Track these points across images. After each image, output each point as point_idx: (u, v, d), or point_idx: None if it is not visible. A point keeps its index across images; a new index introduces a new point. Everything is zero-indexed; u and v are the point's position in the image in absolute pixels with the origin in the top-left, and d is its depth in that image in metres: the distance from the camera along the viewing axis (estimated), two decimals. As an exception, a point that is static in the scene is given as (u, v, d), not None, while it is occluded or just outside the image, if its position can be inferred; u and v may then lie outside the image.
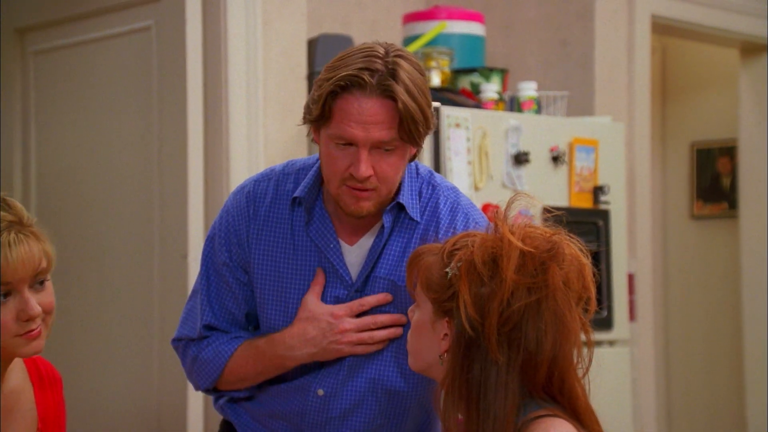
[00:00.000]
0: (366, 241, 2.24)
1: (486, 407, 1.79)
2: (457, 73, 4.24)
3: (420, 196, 2.26)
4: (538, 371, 1.81)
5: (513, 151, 3.96)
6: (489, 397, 1.79)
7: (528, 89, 4.23)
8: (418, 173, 2.27)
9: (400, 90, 2.07)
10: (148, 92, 3.89)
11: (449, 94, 4.04)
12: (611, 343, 4.23)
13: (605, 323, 4.17)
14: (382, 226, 2.22)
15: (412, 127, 2.09)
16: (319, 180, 2.23)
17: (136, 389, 3.91)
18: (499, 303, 1.80)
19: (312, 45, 3.99)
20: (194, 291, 2.36)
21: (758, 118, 5.47)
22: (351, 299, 2.24)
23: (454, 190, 2.30)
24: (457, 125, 3.81)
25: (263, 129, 3.80)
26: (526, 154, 3.96)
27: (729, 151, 6.05)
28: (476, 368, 1.81)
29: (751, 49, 5.43)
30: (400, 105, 2.07)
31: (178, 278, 3.74)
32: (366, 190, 2.14)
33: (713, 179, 6.18)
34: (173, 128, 3.80)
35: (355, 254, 2.24)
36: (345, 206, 2.16)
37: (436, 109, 3.77)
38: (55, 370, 2.21)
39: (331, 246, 2.23)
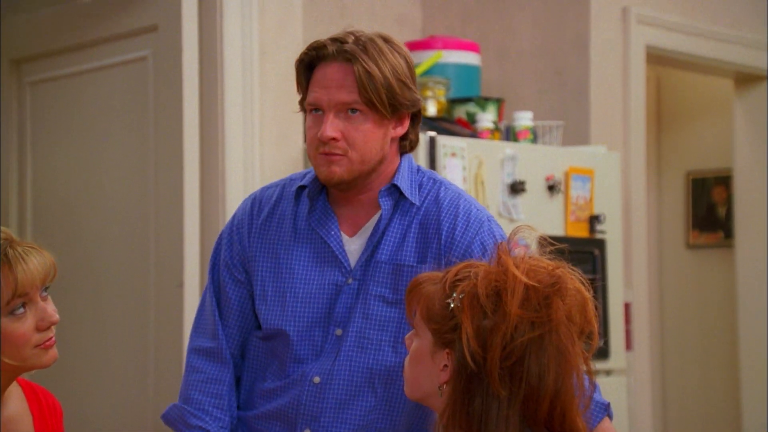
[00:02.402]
0: (366, 232, 2.29)
1: None
2: (453, 102, 4.25)
3: (420, 187, 2.31)
4: (540, 406, 1.80)
5: (509, 180, 3.97)
6: (490, 430, 1.78)
7: (524, 119, 4.24)
8: (419, 170, 2.34)
9: (361, 55, 2.18)
10: (144, 122, 3.90)
11: (445, 124, 4.05)
12: (608, 372, 4.22)
13: (602, 352, 4.16)
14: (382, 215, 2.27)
15: (371, 90, 2.18)
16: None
17: (132, 416, 3.89)
18: (502, 337, 1.79)
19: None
20: (203, 299, 2.41)
21: (753, 147, 5.49)
22: (349, 286, 2.27)
23: (457, 187, 2.36)
24: (453, 154, 3.81)
25: (259, 156, 3.81)
26: (521, 183, 3.97)
27: (724, 180, 6.06)
28: (477, 401, 1.80)
29: (745, 79, 5.45)
30: (356, 67, 2.18)
31: (173, 307, 3.74)
32: (335, 154, 2.21)
33: (708, 208, 6.19)
34: (169, 157, 3.80)
35: (355, 244, 2.29)
36: (319, 173, 2.24)
37: (432, 138, 3.77)
38: (56, 400, 2.20)
39: (332, 233, 2.28)
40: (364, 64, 2.18)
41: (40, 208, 4.27)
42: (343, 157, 2.21)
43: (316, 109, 2.23)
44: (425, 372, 1.87)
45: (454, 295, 1.83)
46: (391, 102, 2.21)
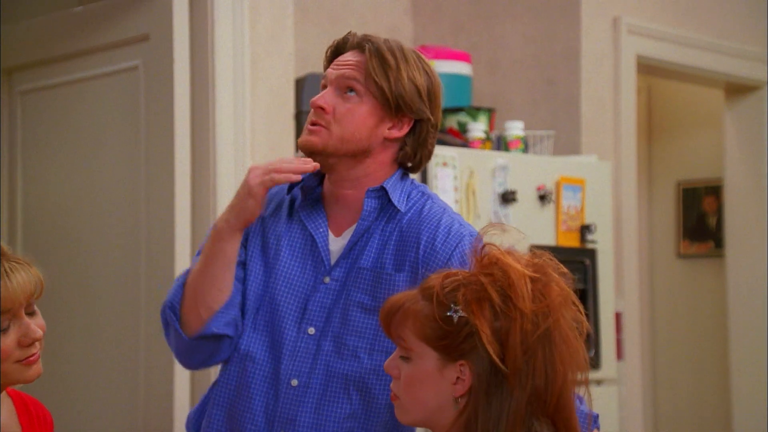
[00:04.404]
0: (350, 233, 2.31)
1: None
2: (444, 112, 4.25)
3: (408, 197, 2.32)
4: (550, 394, 1.80)
5: (500, 189, 3.97)
6: (502, 427, 1.78)
7: (515, 128, 4.25)
8: (412, 182, 2.36)
9: (379, 42, 2.27)
10: (135, 132, 3.89)
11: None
12: (599, 382, 4.22)
13: (593, 362, 4.17)
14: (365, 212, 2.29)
15: (380, 74, 2.24)
16: (321, 174, 2.35)
17: (123, 417, 3.88)
18: (519, 333, 1.78)
19: (300, 84, 4.00)
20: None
21: (743, 157, 5.50)
22: (325, 286, 2.28)
23: (445, 203, 2.37)
24: (445, 164, 3.82)
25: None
26: (513, 192, 3.97)
27: (715, 190, 6.08)
28: (495, 402, 1.79)
29: (735, 89, 5.46)
30: (368, 50, 2.27)
31: (164, 317, 3.73)
32: (318, 124, 2.26)
33: (699, 218, 6.20)
34: (160, 167, 3.80)
35: (338, 244, 2.30)
36: (300, 140, 2.30)
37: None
38: (47, 411, 2.20)
39: (320, 230, 2.30)
40: (378, 47, 2.27)
41: (31, 216, 4.26)
42: (323, 128, 2.26)
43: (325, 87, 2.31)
44: (432, 391, 1.84)
45: (453, 306, 1.81)
46: (395, 96, 2.25)
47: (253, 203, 2.25)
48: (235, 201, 2.28)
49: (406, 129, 2.29)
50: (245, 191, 2.26)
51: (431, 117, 2.30)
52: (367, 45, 2.28)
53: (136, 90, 3.90)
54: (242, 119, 3.80)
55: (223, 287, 2.29)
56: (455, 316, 1.80)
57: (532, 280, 1.81)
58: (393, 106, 2.26)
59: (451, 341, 1.81)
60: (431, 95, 2.29)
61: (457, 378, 1.81)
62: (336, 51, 2.34)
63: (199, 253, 2.39)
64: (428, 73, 2.31)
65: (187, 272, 2.36)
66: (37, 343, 2.04)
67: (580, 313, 1.87)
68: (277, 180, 2.24)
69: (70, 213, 4.12)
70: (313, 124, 2.27)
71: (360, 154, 2.27)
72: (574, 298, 1.87)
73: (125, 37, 3.94)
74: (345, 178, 2.29)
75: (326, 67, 2.35)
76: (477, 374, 1.80)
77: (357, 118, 2.26)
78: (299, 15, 4.28)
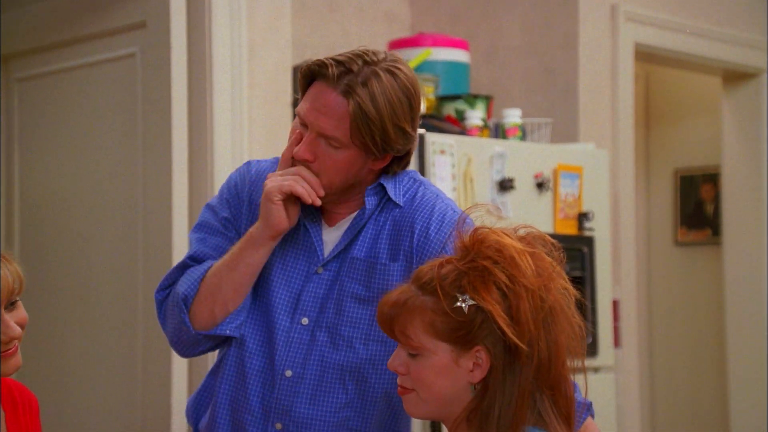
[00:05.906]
0: (345, 224, 2.29)
1: (509, 414, 1.80)
2: (442, 99, 4.25)
3: (401, 184, 2.30)
4: (554, 366, 1.81)
5: (498, 177, 3.97)
6: (513, 403, 1.79)
7: (512, 116, 4.24)
8: (403, 170, 2.32)
9: (361, 93, 2.14)
10: (132, 119, 3.89)
11: (434, 121, 4.05)
12: (596, 369, 4.23)
13: (590, 350, 4.17)
14: (364, 208, 2.26)
15: (365, 133, 2.15)
16: None
17: (121, 405, 3.89)
18: (530, 309, 1.79)
19: (297, 72, 3.99)
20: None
21: (741, 145, 5.51)
22: (318, 276, 2.27)
23: (438, 189, 2.34)
24: (442, 152, 3.81)
25: (248, 155, 3.80)
26: (510, 180, 3.97)
27: (712, 177, 6.08)
28: (509, 380, 1.80)
29: (733, 76, 5.46)
30: (351, 106, 2.14)
31: (162, 305, 3.73)
32: None
33: (697, 206, 6.21)
34: (158, 155, 3.80)
35: (333, 235, 2.29)
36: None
37: (421, 136, 3.77)
38: (31, 394, 2.19)
39: (314, 221, 2.29)
40: (361, 103, 2.14)
41: (28, 204, 4.26)
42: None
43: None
44: (448, 382, 1.83)
45: (460, 295, 1.80)
46: (383, 146, 2.19)
47: (275, 209, 2.19)
48: (261, 210, 2.23)
49: (389, 158, 2.25)
50: (263, 198, 2.22)
51: (416, 137, 2.25)
52: (349, 99, 2.14)
53: (133, 77, 3.89)
54: (239, 107, 3.79)
55: (244, 291, 2.27)
56: (465, 306, 1.80)
57: (531, 254, 1.82)
58: (382, 151, 2.20)
59: (467, 331, 1.80)
60: (414, 116, 2.21)
61: (474, 364, 1.82)
62: (310, 78, 2.22)
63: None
64: (406, 91, 2.19)
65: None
66: (15, 339, 2.03)
67: (565, 281, 1.87)
68: (297, 192, 2.18)
69: (67, 200, 4.12)
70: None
71: (349, 188, 2.25)
72: (560, 268, 1.87)
73: (122, 25, 3.93)
74: (333, 202, 2.28)
75: (302, 89, 2.23)
76: (494, 356, 1.80)
77: (341, 167, 2.20)
78: (297, 3, 4.27)
